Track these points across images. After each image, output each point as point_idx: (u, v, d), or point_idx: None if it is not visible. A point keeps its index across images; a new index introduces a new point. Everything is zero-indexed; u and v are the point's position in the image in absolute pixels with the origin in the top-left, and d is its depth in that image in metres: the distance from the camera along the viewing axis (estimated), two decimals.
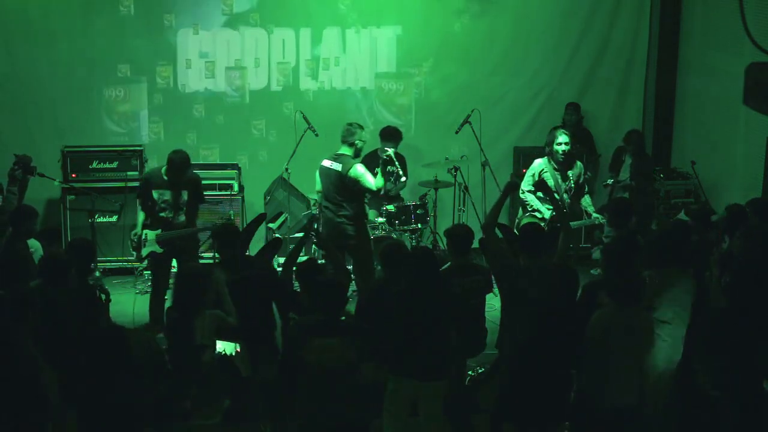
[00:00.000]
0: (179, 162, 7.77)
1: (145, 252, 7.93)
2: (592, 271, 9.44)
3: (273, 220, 9.37)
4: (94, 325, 5.55)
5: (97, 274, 9.24)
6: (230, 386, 5.95)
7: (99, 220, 9.28)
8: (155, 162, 9.60)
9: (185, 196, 7.92)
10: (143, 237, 7.91)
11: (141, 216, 8.01)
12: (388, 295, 5.73)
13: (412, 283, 5.64)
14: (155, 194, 7.87)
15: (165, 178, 7.85)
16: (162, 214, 7.89)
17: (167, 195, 7.87)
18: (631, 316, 5.43)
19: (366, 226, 8.28)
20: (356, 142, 7.93)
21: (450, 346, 5.68)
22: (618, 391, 5.41)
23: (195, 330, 5.45)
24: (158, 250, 7.89)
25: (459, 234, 6.52)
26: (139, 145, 9.66)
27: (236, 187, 9.55)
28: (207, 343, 5.46)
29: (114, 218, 9.36)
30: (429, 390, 5.59)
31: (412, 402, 5.65)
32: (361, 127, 8.09)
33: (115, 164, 9.47)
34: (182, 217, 7.96)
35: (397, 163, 8.14)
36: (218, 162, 9.99)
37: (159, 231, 7.88)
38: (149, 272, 9.06)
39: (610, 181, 9.83)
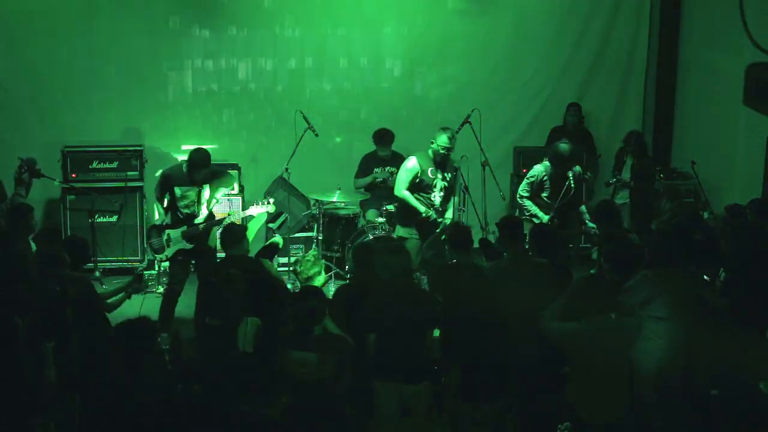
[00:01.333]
0: (200, 160, 7.73)
1: (171, 252, 7.83)
2: (591, 271, 9.43)
3: (273, 220, 9.37)
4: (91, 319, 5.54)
5: (97, 273, 9.25)
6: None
7: (99, 220, 9.30)
8: (155, 162, 9.62)
9: (206, 190, 7.91)
10: (167, 237, 7.84)
11: (160, 211, 7.91)
12: (358, 297, 5.77)
13: (381, 284, 5.68)
14: (178, 191, 7.79)
15: (186, 175, 7.79)
16: (186, 211, 7.83)
17: (192, 192, 7.82)
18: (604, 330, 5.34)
19: (403, 231, 8.29)
20: (432, 143, 8.14)
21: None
22: (601, 406, 5.34)
23: (237, 338, 5.43)
24: (186, 246, 7.81)
25: (458, 234, 6.54)
26: (139, 145, 9.64)
27: (236, 187, 9.55)
28: (248, 351, 5.44)
29: (114, 218, 9.37)
30: (413, 391, 5.61)
31: (401, 403, 5.66)
32: (450, 136, 8.14)
33: (115, 164, 9.46)
34: (204, 211, 7.96)
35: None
36: (218, 162, 9.98)
37: (184, 228, 7.80)
38: (149, 272, 9.10)
39: (613, 180, 9.81)
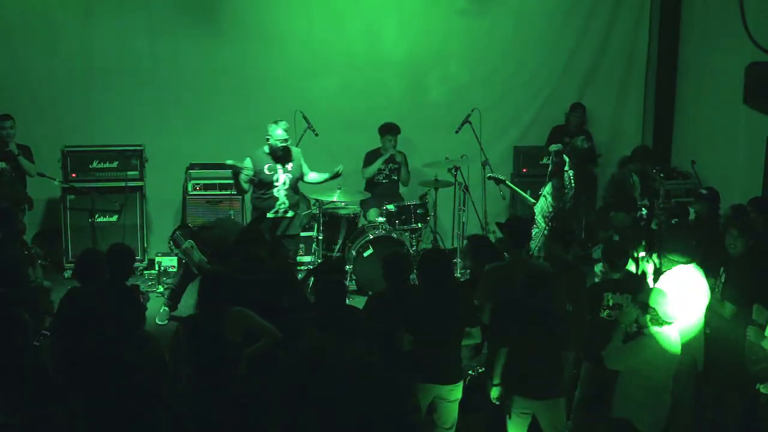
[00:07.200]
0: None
1: (181, 254, 8.25)
2: (596, 270, 9.42)
3: None
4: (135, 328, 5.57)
5: None
6: None
7: (99, 219, 9.30)
8: (156, 162, 9.63)
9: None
10: (191, 245, 8.12)
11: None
12: (391, 302, 5.78)
13: (427, 289, 5.68)
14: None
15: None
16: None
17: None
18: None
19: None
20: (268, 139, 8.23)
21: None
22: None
23: (224, 327, 5.46)
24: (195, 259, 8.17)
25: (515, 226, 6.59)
26: (139, 145, 9.63)
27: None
28: (236, 340, 5.47)
29: (114, 218, 9.37)
30: (446, 393, 5.63)
31: (431, 403, 5.68)
32: (286, 127, 8.25)
33: (115, 164, 9.46)
34: None
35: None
36: (218, 162, 9.98)
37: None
38: (149, 272, 9.12)
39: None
